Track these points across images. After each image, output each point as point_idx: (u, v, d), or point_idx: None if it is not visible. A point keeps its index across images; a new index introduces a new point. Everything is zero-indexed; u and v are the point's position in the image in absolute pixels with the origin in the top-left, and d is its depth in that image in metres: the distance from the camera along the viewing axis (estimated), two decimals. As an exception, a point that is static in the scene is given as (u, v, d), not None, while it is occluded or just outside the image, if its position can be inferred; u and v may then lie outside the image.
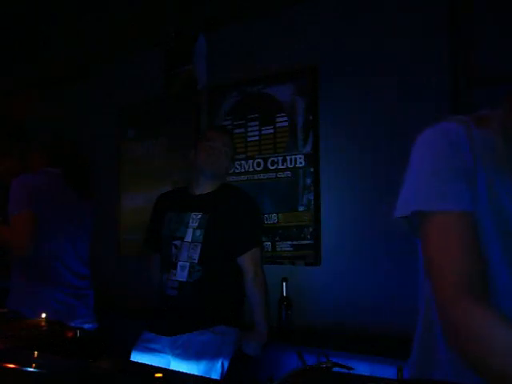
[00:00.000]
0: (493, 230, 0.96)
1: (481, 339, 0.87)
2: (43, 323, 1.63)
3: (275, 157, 3.27)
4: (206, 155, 2.42)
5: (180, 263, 2.36)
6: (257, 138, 3.36)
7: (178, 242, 2.39)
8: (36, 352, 1.11)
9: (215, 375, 2.20)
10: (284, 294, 2.91)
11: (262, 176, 3.32)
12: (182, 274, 2.35)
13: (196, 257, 2.34)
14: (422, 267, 1.08)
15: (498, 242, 0.96)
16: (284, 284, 2.91)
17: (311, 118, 3.15)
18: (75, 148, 2.67)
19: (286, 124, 3.24)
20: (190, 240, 2.37)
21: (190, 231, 2.38)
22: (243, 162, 3.40)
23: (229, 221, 2.36)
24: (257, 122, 3.37)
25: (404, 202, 1.01)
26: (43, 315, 1.68)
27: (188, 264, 2.35)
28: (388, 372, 2.29)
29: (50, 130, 2.75)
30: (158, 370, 1.27)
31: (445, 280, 0.94)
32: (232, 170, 3.43)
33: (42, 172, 2.51)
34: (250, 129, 3.39)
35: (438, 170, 0.97)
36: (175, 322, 2.32)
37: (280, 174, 3.25)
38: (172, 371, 1.76)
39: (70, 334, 1.49)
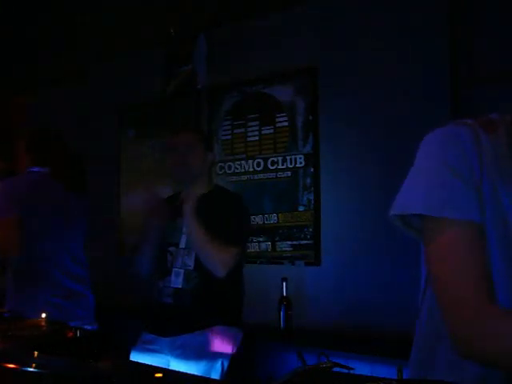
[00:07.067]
0: (496, 243, 0.94)
1: (499, 336, 0.86)
2: (43, 323, 1.63)
3: (275, 157, 3.27)
4: (172, 165, 2.40)
5: (175, 270, 2.34)
6: (257, 138, 3.36)
7: (172, 249, 2.38)
8: (36, 352, 1.11)
9: (215, 375, 2.19)
10: (284, 294, 2.91)
11: (261, 176, 3.32)
12: (176, 281, 2.33)
13: (191, 263, 2.32)
14: (423, 271, 1.07)
15: (501, 256, 0.94)
16: (284, 284, 2.91)
17: (311, 118, 3.15)
18: (64, 146, 2.62)
19: (286, 124, 3.24)
20: (183, 246, 2.35)
21: (183, 237, 2.37)
22: (243, 162, 3.40)
23: (219, 224, 2.33)
24: (257, 122, 3.37)
25: (404, 202, 0.99)
26: (43, 315, 1.68)
27: (182, 271, 2.33)
28: (388, 372, 2.29)
29: (36, 129, 2.68)
30: (158, 370, 1.27)
31: (453, 297, 0.92)
32: (232, 171, 3.43)
33: (29, 172, 2.48)
34: (249, 129, 3.39)
35: (448, 177, 0.94)
36: (173, 324, 2.31)
37: (280, 174, 3.25)
38: (172, 371, 1.76)
39: (70, 334, 1.48)
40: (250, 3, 3.24)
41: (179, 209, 2.38)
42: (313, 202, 3.11)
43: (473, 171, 0.94)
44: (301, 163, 3.16)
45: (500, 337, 0.87)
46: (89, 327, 2.40)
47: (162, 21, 3.46)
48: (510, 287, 0.95)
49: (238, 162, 3.41)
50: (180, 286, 2.32)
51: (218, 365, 2.22)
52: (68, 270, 2.47)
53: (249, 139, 3.40)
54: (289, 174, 3.21)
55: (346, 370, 1.13)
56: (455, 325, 0.93)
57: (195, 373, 2.06)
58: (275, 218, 3.25)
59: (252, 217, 3.16)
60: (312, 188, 3.12)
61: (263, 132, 3.34)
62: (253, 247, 3.28)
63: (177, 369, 2.15)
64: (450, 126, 1.00)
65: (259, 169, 3.34)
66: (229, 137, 3.49)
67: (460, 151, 0.95)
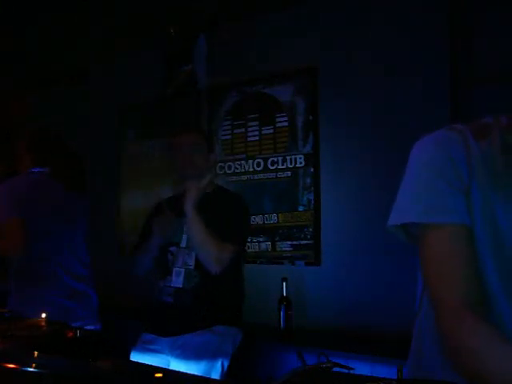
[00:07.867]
0: (487, 250, 0.95)
1: (480, 357, 0.86)
2: (43, 323, 1.63)
3: (275, 157, 3.27)
4: (179, 163, 2.41)
5: (175, 269, 2.35)
6: (257, 138, 3.36)
7: (173, 249, 2.38)
8: (36, 352, 1.11)
9: (215, 375, 2.20)
10: (284, 294, 2.91)
11: (261, 176, 3.32)
12: (177, 281, 2.33)
13: (192, 262, 2.32)
14: (420, 276, 1.08)
15: (492, 264, 0.95)
16: (284, 284, 2.91)
17: (311, 118, 3.15)
18: (64, 146, 2.62)
19: (286, 124, 3.24)
20: (184, 246, 2.35)
21: (184, 237, 2.37)
22: (243, 162, 3.40)
23: (219, 224, 2.33)
24: (257, 122, 3.37)
25: (398, 213, 1.00)
26: (43, 315, 1.68)
27: (183, 270, 2.33)
28: (388, 372, 2.29)
29: (36, 129, 2.67)
30: (158, 370, 1.27)
31: (444, 296, 0.93)
32: (232, 171, 3.44)
33: (30, 172, 2.48)
34: (249, 129, 3.39)
35: (435, 182, 0.96)
36: (173, 324, 2.31)
37: (280, 174, 3.25)
38: (172, 371, 1.76)
39: (70, 334, 1.49)
40: (250, 3, 3.24)
41: (181, 206, 2.39)
42: (313, 202, 3.11)
43: (461, 176, 0.95)
44: (301, 163, 3.16)
45: (467, 351, 0.88)
46: (92, 327, 2.40)
47: (162, 21, 3.46)
48: (503, 290, 0.96)
49: (238, 162, 3.41)
50: (181, 286, 2.32)
51: (218, 365, 2.23)
52: (69, 270, 2.47)
53: (249, 139, 3.40)
54: (289, 174, 3.21)
55: (346, 370, 1.13)
56: (439, 324, 0.94)
57: (195, 373, 2.07)
58: (275, 218, 3.25)
59: (252, 217, 3.16)
60: (312, 188, 3.12)
61: (263, 132, 3.33)
62: (253, 247, 3.28)
63: (177, 369, 2.15)
64: (439, 132, 1.02)
65: (259, 169, 3.34)
66: (229, 137, 3.48)
67: (448, 156, 0.96)
